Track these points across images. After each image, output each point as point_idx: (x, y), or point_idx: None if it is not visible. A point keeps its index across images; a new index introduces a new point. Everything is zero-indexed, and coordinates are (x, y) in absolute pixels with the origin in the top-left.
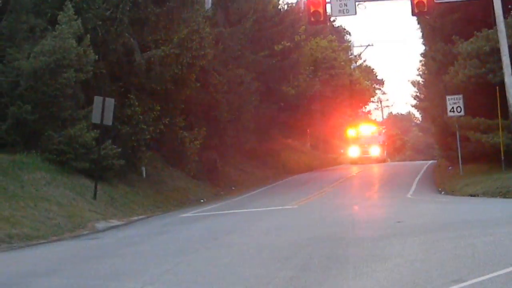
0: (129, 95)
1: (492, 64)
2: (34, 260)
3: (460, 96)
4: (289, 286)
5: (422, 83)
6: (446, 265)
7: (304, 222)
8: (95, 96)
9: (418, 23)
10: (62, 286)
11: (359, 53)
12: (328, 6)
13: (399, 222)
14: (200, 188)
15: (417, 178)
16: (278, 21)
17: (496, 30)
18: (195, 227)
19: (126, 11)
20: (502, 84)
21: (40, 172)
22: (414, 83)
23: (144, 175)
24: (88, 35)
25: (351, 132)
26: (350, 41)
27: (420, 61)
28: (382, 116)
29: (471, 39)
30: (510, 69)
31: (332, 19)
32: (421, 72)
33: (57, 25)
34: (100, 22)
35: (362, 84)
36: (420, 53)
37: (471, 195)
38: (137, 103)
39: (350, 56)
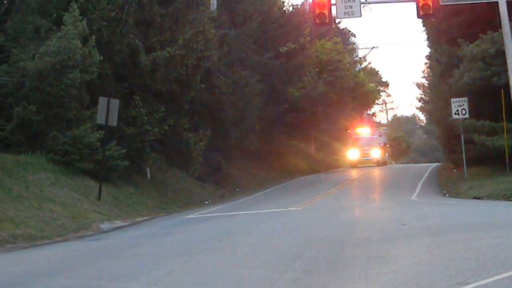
0: (134, 96)
1: (497, 66)
2: (38, 261)
3: (465, 98)
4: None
5: (427, 85)
6: (451, 267)
7: (309, 224)
8: (100, 97)
9: (424, 25)
10: (66, 286)
11: (364, 55)
12: (333, 8)
13: (403, 224)
14: (204, 190)
15: (422, 181)
16: (283, 23)
17: (502, 33)
18: (200, 229)
19: (131, 12)
20: (507, 86)
21: (44, 173)
22: (419, 86)
23: (149, 176)
24: (93, 36)
25: (350, 134)
26: (355, 43)
27: (425, 63)
28: (387, 118)
29: (476, 42)
30: None
31: (337, 21)
32: (426, 75)
33: (62, 26)
34: (105, 23)
35: (367, 86)
36: (425, 55)
37: (476, 198)
38: (142, 104)
39: (355, 58)
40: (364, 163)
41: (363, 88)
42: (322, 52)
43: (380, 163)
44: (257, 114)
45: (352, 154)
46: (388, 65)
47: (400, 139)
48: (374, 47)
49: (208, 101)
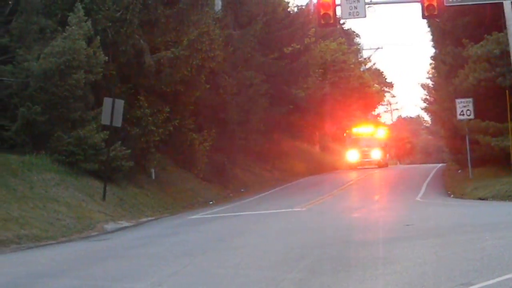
0: (138, 96)
1: (502, 67)
2: (43, 261)
3: (470, 99)
4: None
5: (432, 86)
6: (455, 268)
7: (313, 224)
8: (104, 98)
9: (428, 26)
10: (71, 286)
11: (369, 56)
12: (338, 9)
13: (408, 225)
14: (209, 190)
15: (426, 181)
16: (287, 24)
17: (506, 34)
18: (204, 229)
19: (136, 12)
20: None
21: (49, 173)
22: (423, 86)
23: (153, 177)
24: (98, 37)
25: (349, 134)
26: (360, 43)
27: (430, 64)
28: (392, 119)
29: (481, 42)
30: None
31: (341, 21)
32: (431, 75)
33: (67, 26)
34: (110, 24)
35: (372, 87)
36: (430, 56)
37: (481, 199)
38: (146, 105)
39: (359, 59)
40: (363, 165)
41: (367, 89)
42: (327, 52)
43: (381, 165)
44: (262, 114)
45: (351, 155)
46: (393, 66)
47: (405, 140)
48: (378, 48)
49: (212, 102)
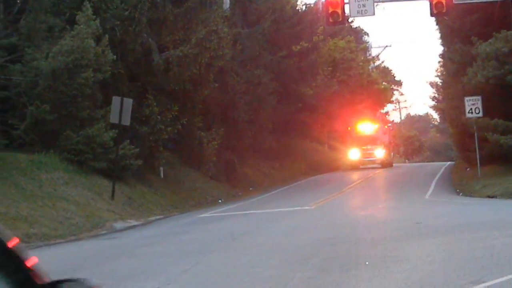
0: (147, 95)
1: (511, 65)
2: (52, 260)
3: (479, 97)
4: (307, 287)
5: (440, 84)
6: (465, 266)
7: (322, 223)
8: (113, 96)
9: (437, 24)
10: None
11: (377, 54)
12: (347, 7)
13: (417, 223)
14: (217, 189)
15: (435, 180)
16: (296, 22)
17: None
18: (213, 228)
19: (144, 11)
20: None
21: (58, 172)
22: (432, 84)
23: (162, 175)
24: (107, 35)
25: (351, 132)
26: (368, 42)
27: (439, 62)
28: (400, 117)
29: (489, 40)
30: None
31: (350, 19)
32: (439, 73)
33: (75, 25)
34: (118, 22)
35: (380, 85)
36: (438, 54)
37: (489, 197)
38: (155, 103)
39: (368, 57)
40: (366, 164)
41: (376, 86)
42: (335, 51)
43: (385, 164)
44: (270, 113)
45: (353, 154)
46: (402, 64)
47: (413, 138)
48: (387, 46)
49: (221, 100)
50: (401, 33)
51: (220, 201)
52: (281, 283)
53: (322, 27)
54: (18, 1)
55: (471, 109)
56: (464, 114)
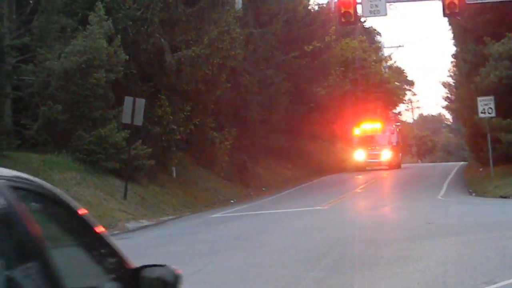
0: (159, 95)
1: None
2: None
3: (491, 97)
4: (319, 286)
5: (453, 84)
6: (477, 266)
7: (335, 223)
8: (125, 96)
9: (450, 24)
10: None
11: (390, 54)
12: (359, 7)
13: (429, 223)
14: (230, 189)
15: (448, 180)
16: (308, 22)
17: None
18: (225, 228)
19: (156, 11)
20: None
21: (70, 172)
22: (445, 84)
23: (174, 176)
24: (119, 35)
25: (356, 132)
26: (381, 42)
27: (451, 62)
28: (413, 117)
29: (502, 40)
30: None
31: (362, 19)
32: (452, 73)
33: (88, 25)
34: (131, 22)
35: (392, 85)
36: (451, 54)
37: (502, 197)
38: (167, 104)
39: (380, 57)
40: (372, 166)
41: (388, 85)
42: (348, 50)
43: (392, 166)
44: (283, 113)
45: (358, 155)
46: (414, 64)
47: (426, 138)
48: (399, 46)
49: (233, 100)
50: (413, 33)
51: (232, 201)
52: (293, 283)
53: (334, 27)
54: (30, 2)
55: (483, 109)
56: (477, 114)
